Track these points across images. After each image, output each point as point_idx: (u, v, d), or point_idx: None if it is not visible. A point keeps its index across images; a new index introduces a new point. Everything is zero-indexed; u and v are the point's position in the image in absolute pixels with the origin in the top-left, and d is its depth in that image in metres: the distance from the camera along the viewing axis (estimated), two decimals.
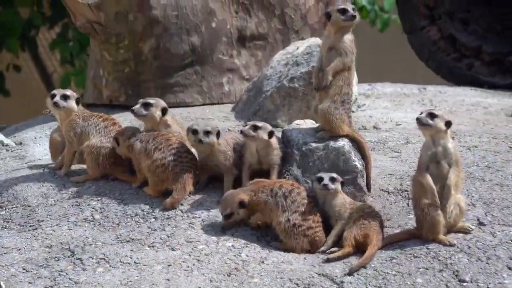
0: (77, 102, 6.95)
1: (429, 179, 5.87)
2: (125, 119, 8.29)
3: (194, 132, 6.53)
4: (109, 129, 6.90)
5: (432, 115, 5.90)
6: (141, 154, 6.57)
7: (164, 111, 6.80)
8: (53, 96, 6.89)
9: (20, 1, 13.74)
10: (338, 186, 6.17)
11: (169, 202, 6.39)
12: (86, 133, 6.89)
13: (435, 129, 5.90)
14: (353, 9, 6.46)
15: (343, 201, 6.16)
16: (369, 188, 6.50)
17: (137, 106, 6.77)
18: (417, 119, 5.91)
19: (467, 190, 6.42)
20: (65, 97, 6.90)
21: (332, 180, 6.15)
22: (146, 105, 6.75)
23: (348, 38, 6.47)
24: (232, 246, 6.01)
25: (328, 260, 5.86)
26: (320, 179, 6.15)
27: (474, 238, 5.89)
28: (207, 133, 6.52)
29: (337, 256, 5.89)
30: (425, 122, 5.90)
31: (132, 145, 6.61)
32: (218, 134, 6.58)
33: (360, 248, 5.93)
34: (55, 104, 6.86)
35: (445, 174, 5.88)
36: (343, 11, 6.44)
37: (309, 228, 6.04)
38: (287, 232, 6.02)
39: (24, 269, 5.87)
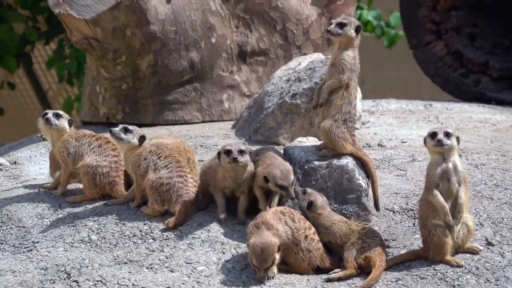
0: (70, 124, 6.97)
1: (440, 197, 5.88)
2: None
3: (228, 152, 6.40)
4: (104, 148, 6.91)
5: (448, 135, 5.92)
6: (149, 167, 6.57)
7: (141, 139, 6.72)
8: (45, 114, 6.93)
9: (14, 16, 13.78)
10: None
11: (172, 221, 6.39)
12: (80, 153, 6.90)
13: (450, 147, 5.93)
14: (341, 24, 6.42)
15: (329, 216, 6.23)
16: (377, 208, 6.49)
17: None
18: (440, 141, 5.89)
19: (475, 209, 6.43)
20: (57, 116, 6.94)
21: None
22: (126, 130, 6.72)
23: (348, 54, 6.47)
24: (233, 267, 6.02)
25: (328, 280, 5.87)
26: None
27: (482, 259, 5.90)
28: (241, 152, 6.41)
29: (337, 276, 5.90)
30: (445, 143, 5.91)
31: (145, 153, 6.61)
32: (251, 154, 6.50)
33: (364, 270, 5.94)
34: (47, 121, 6.88)
35: (454, 192, 5.90)
36: (329, 25, 6.49)
37: (318, 241, 6.11)
38: (304, 257, 6.06)
39: None
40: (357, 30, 6.49)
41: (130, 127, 6.66)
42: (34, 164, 8.13)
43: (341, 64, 6.44)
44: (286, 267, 6.03)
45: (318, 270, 6.07)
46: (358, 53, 6.52)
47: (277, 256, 5.87)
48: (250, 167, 6.46)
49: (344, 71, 6.42)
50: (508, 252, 5.95)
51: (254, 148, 6.69)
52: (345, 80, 6.43)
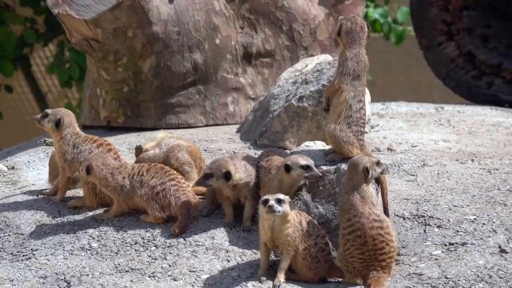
0: (58, 124, 6.95)
1: None
2: (123, 142, 8.33)
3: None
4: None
5: None
6: (135, 187, 6.59)
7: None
8: (46, 114, 6.98)
9: (12, 18, 13.80)
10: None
11: (177, 227, 6.40)
12: (79, 160, 6.87)
13: None
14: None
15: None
16: (387, 215, 6.49)
17: None
18: None
19: (488, 215, 6.43)
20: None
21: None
22: None
23: (348, 55, 6.49)
24: (238, 276, 6.02)
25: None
26: None
27: (495, 267, 5.89)
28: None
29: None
30: None
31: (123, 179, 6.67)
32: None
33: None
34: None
35: None
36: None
37: (329, 254, 6.11)
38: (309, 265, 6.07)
39: None
40: None
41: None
42: (33, 169, 8.15)
43: (337, 67, 6.49)
44: (294, 276, 6.03)
45: (325, 280, 6.09)
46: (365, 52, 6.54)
47: None
48: (249, 178, 6.48)
49: (337, 74, 6.46)
50: None
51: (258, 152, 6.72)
52: (337, 84, 6.46)
